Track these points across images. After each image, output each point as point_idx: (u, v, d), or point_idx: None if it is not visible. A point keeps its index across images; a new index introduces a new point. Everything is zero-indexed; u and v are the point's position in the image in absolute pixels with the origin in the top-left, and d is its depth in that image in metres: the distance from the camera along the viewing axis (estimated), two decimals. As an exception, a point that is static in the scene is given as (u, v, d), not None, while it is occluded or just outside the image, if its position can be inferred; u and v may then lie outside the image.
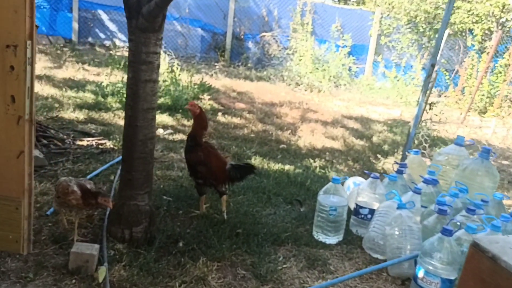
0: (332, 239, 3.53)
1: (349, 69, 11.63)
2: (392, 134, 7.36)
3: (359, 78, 11.84)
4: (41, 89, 6.79)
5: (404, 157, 5.20)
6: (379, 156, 5.98)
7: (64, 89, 6.87)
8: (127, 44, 10.88)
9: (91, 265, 2.69)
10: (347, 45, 11.95)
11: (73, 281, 2.63)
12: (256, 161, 5.11)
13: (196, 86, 7.73)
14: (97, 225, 3.29)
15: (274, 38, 11.98)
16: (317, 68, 11.10)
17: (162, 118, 6.28)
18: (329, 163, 5.51)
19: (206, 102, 7.52)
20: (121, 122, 5.87)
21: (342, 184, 3.67)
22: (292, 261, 3.19)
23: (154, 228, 3.25)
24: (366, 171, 4.23)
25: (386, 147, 6.57)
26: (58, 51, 10.19)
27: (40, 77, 7.41)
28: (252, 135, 6.21)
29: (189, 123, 6.34)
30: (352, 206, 3.85)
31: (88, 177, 3.96)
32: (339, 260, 3.30)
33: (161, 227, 3.40)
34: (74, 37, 11.62)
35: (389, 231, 3.22)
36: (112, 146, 4.89)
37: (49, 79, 7.44)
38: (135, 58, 2.95)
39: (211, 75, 10.09)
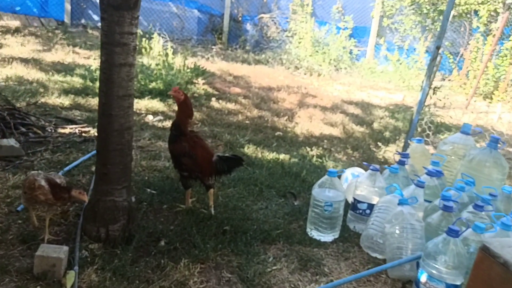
0: (327, 237, 3.27)
1: (350, 52, 11.27)
2: (394, 120, 7.06)
3: (360, 61, 11.48)
4: (27, 73, 6.49)
5: (406, 146, 4.92)
6: (379, 144, 5.69)
7: (51, 73, 6.57)
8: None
9: (58, 270, 2.44)
10: (348, 27, 11.57)
11: (38, 287, 2.37)
12: (249, 150, 4.84)
13: (189, 70, 7.42)
14: (72, 222, 3.03)
15: (272, 20, 11.60)
16: (317, 51, 10.75)
17: (152, 103, 5.99)
18: (327, 152, 5.23)
19: (200, 86, 7.21)
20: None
21: (339, 177, 3.40)
22: (283, 262, 2.93)
23: (133, 226, 2.99)
24: (365, 163, 3.94)
25: (387, 134, 6.28)
26: (50, 34, 9.83)
27: (27, 61, 7.11)
28: (247, 122, 5.92)
29: (181, 109, 6.05)
30: (350, 200, 3.58)
31: (68, 168, 3.69)
32: (334, 260, 3.04)
33: (143, 224, 3.14)
34: (67, 19, 11.24)
35: (389, 229, 2.96)
36: (96, 134, 4.60)
37: (36, 63, 7.13)
38: (108, 39, 2.65)
39: (207, 59, 9.76)
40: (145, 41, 8.71)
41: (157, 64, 7.16)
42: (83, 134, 4.54)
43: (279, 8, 11.93)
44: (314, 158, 4.89)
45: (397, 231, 2.91)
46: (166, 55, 7.76)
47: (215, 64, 9.24)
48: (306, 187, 4.04)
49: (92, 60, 7.79)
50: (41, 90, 5.79)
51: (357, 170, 4.06)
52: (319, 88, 8.66)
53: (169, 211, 3.38)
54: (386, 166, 3.72)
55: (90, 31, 10.49)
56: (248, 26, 12.06)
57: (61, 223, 3.00)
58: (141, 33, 9.44)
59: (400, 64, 11.10)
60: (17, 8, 10.86)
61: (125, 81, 2.72)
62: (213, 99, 6.66)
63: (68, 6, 11.20)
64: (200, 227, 3.14)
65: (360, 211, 3.42)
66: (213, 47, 11.60)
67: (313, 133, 5.87)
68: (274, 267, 2.85)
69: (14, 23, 10.28)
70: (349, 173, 4.04)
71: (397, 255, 2.88)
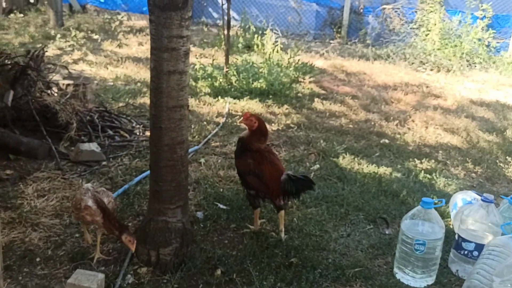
0: (419, 282, 2.64)
1: (488, 45, 9.84)
2: (535, 128, 5.88)
3: (500, 55, 9.98)
4: (136, 72, 6.66)
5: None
6: (509, 158, 4.71)
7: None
8: (240, 23, 10.56)
9: (90, 299, 2.23)
10: (486, 16, 10.12)
11: (67, 318, 2.19)
12: (344, 160, 4.28)
13: (295, 67, 7.01)
14: (129, 239, 2.83)
15: (396, 11, 10.62)
16: (446, 44, 9.56)
17: (250, 104, 5.71)
18: (440, 165, 4.45)
19: (305, 85, 6.76)
20: (204, 110, 5.45)
21: (438, 207, 2.73)
22: (355, 311, 2.41)
23: (188, 250, 2.69)
24: (475, 192, 3.16)
25: (523, 145, 5.21)
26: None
27: (139, 60, 7.33)
28: (350, 126, 5.34)
29: (280, 110, 5.69)
30: (456, 230, 2.88)
31: (140, 177, 3.54)
32: (423, 316, 2.42)
33: (203, 245, 2.84)
34: (188, 17, 11.55)
35: (498, 286, 2.25)
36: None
37: (149, 62, 7.30)
38: (156, 44, 2.37)
39: (322, 54, 9.25)
40: (257, 37, 8.50)
41: (262, 62, 6.88)
42: (170, 138, 4.41)
43: (405, -3, 10.90)
44: (422, 174, 4.16)
45: (510, 290, 2.20)
46: (274, 51, 7.46)
47: (329, 60, 8.69)
48: (404, 211, 3.39)
49: (203, 58, 7.78)
50: (144, 89, 5.85)
51: (471, 195, 3.31)
52: (444, 87, 7.64)
53: (235, 232, 3.04)
54: (503, 196, 2.91)
55: (206, 29, 10.61)
56: (370, 19, 11.24)
57: (117, 240, 2.82)
58: (254, 29, 9.27)
59: (552, 57, 9.41)
60: (144, 9, 11.45)
61: (175, 91, 2.42)
62: (317, 99, 6.17)
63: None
64: (264, 256, 2.74)
65: (466, 251, 2.72)
66: (331, 41, 11.02)
67: (427, 141, 5.08)
68: (341, 319, 2.34)
69: (141, 23, 10.84)
70: (459, 198, 3.30)
71: (507, 323, 2.17)
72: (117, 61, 7.10)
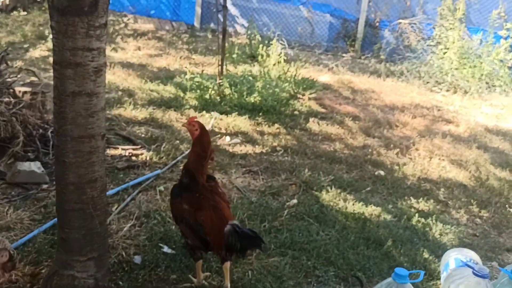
0: None
1: (510, 67, 9.15)
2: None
3: (524, 78, 9.27)
4: (123, 79, 6.21)
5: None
6: (523, 202, 4.09)
7: (145, 80, 6.19)
8: (246, 32, 10.08)
9: None
10: (511, 36, 9.43)
11: None
12: (328, 195, 3.73)
13: (295, 81, 6.48)
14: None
15: (412, 26, 10.01)
16: (465, 64, 8.91)
17: (237, 121, 5.19)
18: (440, 207, 3.86)
19: (304, 102, 6.22)
20: (180, 125, 4.95)
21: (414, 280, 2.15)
22: None
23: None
24: (471, 266, 2.56)
25: (541, 185, 4.56)
26: (174, 37, 9.74)
27: (131, 66, 6.89)
28: (344, 153, 4.78)
29: (269, 129, 5.16)
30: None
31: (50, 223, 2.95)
32: None
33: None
34: (196, 23, 11.13)
35: None
36: (147, 158, 3.96)
37: (140, 68, 6.87)
38: (57, 58, 1.87)
39: (331, 68, 8.69)
40: (262, 47, 8.01)
41: (258, 75, 6.38)
42: (133, 158, 3.93)
43: (424, 12, 10.28)
44: (416, 217, 3.57)
45: None
46: (277, 63, 6.97)
47: (337, 75, 8.13)
48: (386, 268, 2.83)
49: (200, 67, 7.31)
50: (125, 99, 5.39)
51: (467, 254, 2.72)
52: (458, 110, 7.01)
53: (174, 285, 2.52)
54: (502, 268, 2.29)
55: (210, 36, 10.16)
56: (386, 33, 10.63)
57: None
58: (260, 39, 8.78)
59: None
60: (152, 12, 11.07)
61: (82, 117, 1.93)
62: (313, 119, 5.62)
63: (198, 10, 11.07)
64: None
65: (449, 337, 2.14)
66: (343, 55, 10.46)
67: (428, 175, 4.48)
68: None
69: (148, 26, 10.46)
70: (452, 257, 2.72)
71: None
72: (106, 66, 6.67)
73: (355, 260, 2.89)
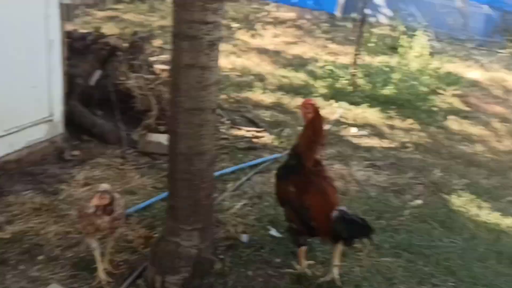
0: None
1: None
2: None
3: None
4: (256, 64, 6.32)
5: None
6: None
7: (278, 66, 6.22)
8: (392, 22, 9.58)
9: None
10: None
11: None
12: (459, 200, 3.35)
13: (438, 76, 5.97)
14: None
15: None
16: None
17: (367, 113, 4.95)
18: None
19: (446, 98, 5.71)
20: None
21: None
22: None
23: (202, 283, 2.21)
24: None
25: None
26: (313, 26, 9.67)
27: (266, 52, 6.98)
28: (486, 156, 4.27)
29: (401, 124, 4.84)
30: None
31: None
32: None
33: (230, 280, 2.32)
34: (339, 12, 10.91)
35: None
36: (268, 142, 3.96)
37: (274, 55, 6.92)
38: (175, 30, 1.90)
39: (482, 64, 7.87)
40: (405, 38, 7.54)
41: (396, 66, 6.00)
42: (254, 139, 3.96)
43: None
44: None
45: None
46: (420, 56, 6.50)
47: (488, 72, 7.34)
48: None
49: (333, 56, 7.14)
50: (256, 83, 5.47)
51: None
52: None
53: (277, 268, 2.47)
54: None
55: (351, 26, 9.85)
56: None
57: (137, 251, 2.46)
58: (403, 29, 8.27)
59: None
60: (294, 0, 11.12)
61: (194, 89, 1.94)
62: (454, 117, 5.13)
63: (341, -1, 10.84)
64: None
65: None
66: (500, 51, 9.38)
67: None
68: None
69: (289, 15, 10.55)
70: None
71: None
72: (243, 51, 6.85)
73: (482, 274, 2.54)
